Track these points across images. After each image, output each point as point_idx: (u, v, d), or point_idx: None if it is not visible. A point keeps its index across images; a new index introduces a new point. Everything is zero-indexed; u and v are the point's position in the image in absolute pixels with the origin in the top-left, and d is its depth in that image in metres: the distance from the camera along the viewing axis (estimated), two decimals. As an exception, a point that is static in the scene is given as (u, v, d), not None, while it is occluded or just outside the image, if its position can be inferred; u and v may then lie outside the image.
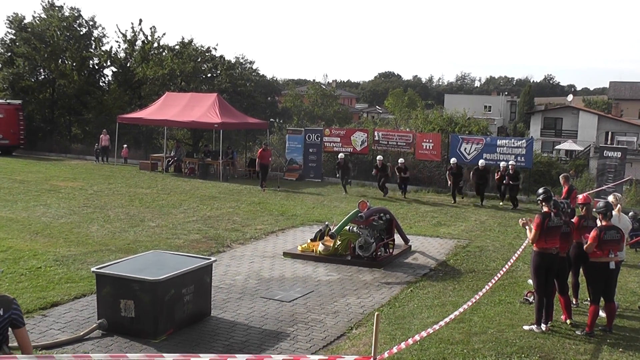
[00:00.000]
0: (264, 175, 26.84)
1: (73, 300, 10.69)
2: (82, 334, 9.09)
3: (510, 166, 23.97)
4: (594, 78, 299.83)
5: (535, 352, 9.01)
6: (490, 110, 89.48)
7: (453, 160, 25.12)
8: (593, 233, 9.82)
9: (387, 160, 30.91)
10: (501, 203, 24.19)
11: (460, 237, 17.61)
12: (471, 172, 25.09)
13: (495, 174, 24.48)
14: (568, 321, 10.31)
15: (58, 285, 11.42)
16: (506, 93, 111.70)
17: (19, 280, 11.55)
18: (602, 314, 10.22)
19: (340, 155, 27.02)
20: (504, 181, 23.89)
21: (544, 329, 9.86)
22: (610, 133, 65.64)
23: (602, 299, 10.04)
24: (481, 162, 24.98)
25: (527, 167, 27.03)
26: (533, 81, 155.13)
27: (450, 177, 24.71)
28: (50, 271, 12.26)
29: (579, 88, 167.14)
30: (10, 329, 5.24)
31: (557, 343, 9.42)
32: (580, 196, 11.50)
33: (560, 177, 16.84)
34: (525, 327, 9.95)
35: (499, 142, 27.10)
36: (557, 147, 64.02)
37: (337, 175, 27.09)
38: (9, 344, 5.47)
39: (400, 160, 26.04)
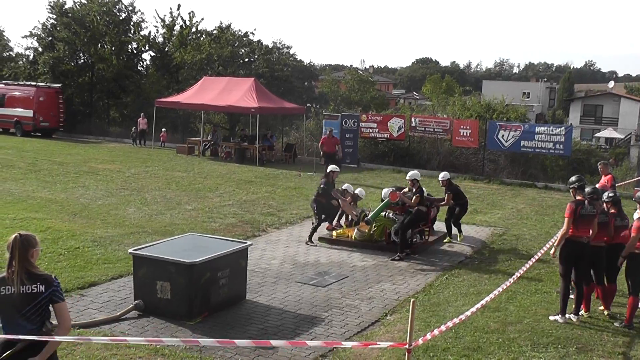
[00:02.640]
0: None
1: (110, 280, 10.86)
2: (118, 314, 9.22)
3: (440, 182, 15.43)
4: (637, 64, 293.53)
5: (572, 343, 8.88)
6: (528, 97, 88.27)
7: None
8: (636, 224, 9.60)
9: (423, 147, 30.47)
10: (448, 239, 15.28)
11: (496, 224, 17.42)
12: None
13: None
14: (606, 312, 10.14)
15: (96, 265, 11.59)
16: (545, 79, 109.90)
17: (57, 260, 11.75)
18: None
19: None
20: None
21: (574, 319, 9.67)
22: (652, 121, 64.43)
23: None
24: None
25: (566, 155, 26.73)
26: (573, 67, 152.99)
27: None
28: (88, 251, 12.45)
29: (620, 75, 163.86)
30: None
31: (595, 334, 9.28)
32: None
33: (599, 164, 15.03)
34: (551, 318, 9.77)
35: (537, 130, 26.70)
36: (596, 134, 62.94)
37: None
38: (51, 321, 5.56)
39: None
